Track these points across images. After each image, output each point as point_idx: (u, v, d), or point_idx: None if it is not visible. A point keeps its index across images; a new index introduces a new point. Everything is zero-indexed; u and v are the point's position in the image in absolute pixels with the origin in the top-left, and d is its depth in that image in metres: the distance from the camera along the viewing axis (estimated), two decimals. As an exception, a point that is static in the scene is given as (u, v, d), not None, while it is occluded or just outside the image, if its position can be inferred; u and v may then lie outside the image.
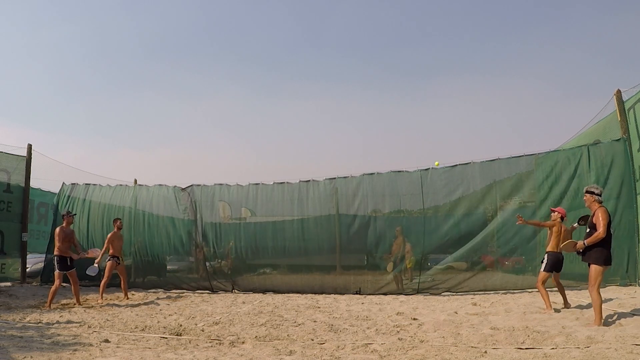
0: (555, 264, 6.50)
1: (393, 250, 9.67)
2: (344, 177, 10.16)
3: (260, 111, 63.09)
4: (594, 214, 5.31)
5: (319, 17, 61.80)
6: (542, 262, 6.62)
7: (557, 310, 6.31)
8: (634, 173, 8.07)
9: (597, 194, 5.39)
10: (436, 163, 9.68)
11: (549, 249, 6.57)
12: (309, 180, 10.36)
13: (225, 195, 10.97)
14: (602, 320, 5.15)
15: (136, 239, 11.22)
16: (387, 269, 9.63)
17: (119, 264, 9.07)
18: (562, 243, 6.07)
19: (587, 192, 5.50)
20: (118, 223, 9.29)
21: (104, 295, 8.83)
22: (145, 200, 11.45)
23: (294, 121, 62.98)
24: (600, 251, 5.18)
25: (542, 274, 6.52)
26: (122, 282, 9.20)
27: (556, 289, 6.78)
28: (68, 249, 7.96)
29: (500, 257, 9.26)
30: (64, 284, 8.14)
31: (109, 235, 9.15)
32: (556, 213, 6.69)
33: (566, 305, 6.57)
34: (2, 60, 58.91)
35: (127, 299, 8.96)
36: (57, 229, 7.98)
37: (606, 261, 5.20)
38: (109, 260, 9.00)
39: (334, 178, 10.21)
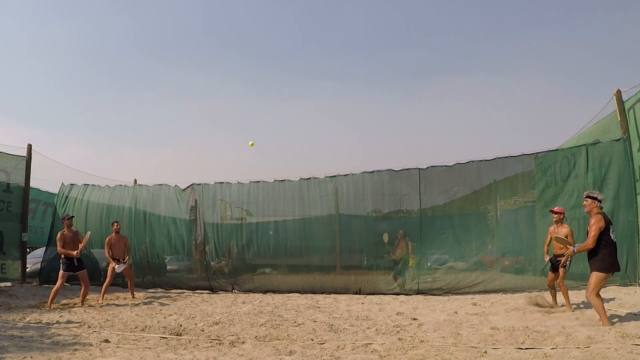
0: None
1: (396, 254, 9.65)
2: (345, 175, 10.16)
3: (261, 111, 63.11)
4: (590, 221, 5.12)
5: (321, 17, 61.84)
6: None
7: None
8: (634, 173, 8.06)
9: (598, 200, 5.20)
10: None
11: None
12: (309, 178, 10.36)
13: (226, 194, 10.94)
14: (609, 320, 5.03)
15: (138, 240, 11.20)
16: (394, 272, 9.59)
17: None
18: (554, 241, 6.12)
19: (588, 197, 5.27)
20: (115, 226, 9.21)
21: (104, 295, 8.81)
22: (146, 200, 11.42)
23: (295, 121, 63.02)
24: (601, 258, 5.01)
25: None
26: (128, 283, 9.23)
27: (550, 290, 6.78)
28: (72, 251, 7.97)
29: (500, 257, 9.26)
30: (65, 284, 8.14)
31: (107, 239, 9.11)
32: (558, 214, 6.53)
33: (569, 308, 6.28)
34: (2, 59, 58.92)
35: (134, 297, 9.00)
36: (58, 234, 8.07)
37: (610, 268, 5.03)
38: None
39: (335, 176, 10.22)
